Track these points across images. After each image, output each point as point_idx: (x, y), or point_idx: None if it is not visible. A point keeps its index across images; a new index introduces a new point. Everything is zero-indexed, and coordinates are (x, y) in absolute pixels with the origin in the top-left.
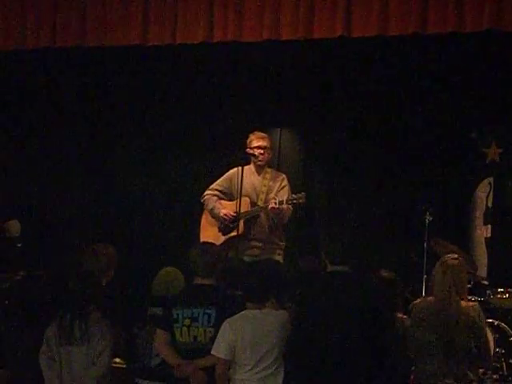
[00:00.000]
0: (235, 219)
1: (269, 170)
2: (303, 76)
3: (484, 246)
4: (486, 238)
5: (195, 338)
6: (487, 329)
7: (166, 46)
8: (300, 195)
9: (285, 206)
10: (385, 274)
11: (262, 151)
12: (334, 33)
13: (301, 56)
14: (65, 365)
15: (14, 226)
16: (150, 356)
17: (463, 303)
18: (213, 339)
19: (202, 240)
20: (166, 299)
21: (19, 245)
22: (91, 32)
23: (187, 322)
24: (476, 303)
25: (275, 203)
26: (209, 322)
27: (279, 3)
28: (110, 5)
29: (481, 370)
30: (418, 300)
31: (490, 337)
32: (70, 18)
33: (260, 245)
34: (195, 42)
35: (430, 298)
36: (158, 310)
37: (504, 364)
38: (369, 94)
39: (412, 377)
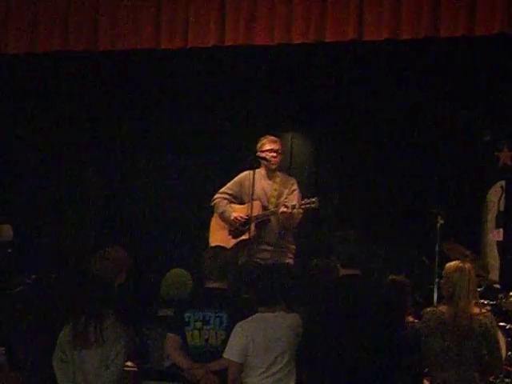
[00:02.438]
0: (246, 223)
1: (279, 173)
2: (314, 80)
3: (496, 250)
4: (497, 242)
5: (207, 340)
6: (499, 333)
7: (178, 50)
8: (313, 200)
9: (295, 210)
10: (395, 277)
11: (274, 154)
12: (346, 36)
13: (312, 60)
14: (78, 368)
15: (6, 231)
16: (161, 358)
17: (475, 310)
18: (224, 342)
19: (211, 243)
20: (175, 300)
21: (9, 250)
22: (103, 36)
23: (199, 324)
24: (488, 311)
25: (286, 207)
26: (220, 325)
27: (291, 7)
28: (122, 9)
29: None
30: (430, 308)
31: (502, 341)
32: (81, 22)
33: (270, 248)
34: (207, 46)
35: (441, 307)
36: (169, 311)
37: None
38: (380, 97)
39: (427, 382)
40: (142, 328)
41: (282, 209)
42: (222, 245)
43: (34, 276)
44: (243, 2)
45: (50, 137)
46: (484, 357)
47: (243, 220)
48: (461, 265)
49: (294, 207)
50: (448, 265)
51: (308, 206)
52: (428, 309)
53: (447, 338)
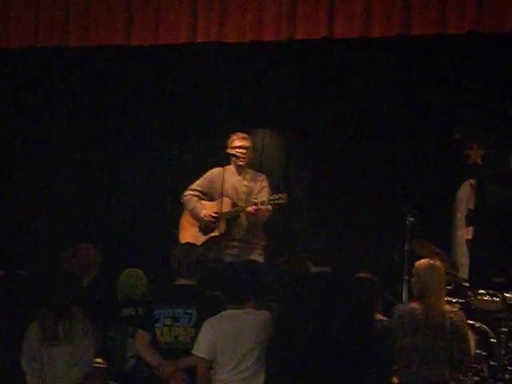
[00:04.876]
0: (216, 219)
1: (249, 170)
2: (286, 77)
3: (465, 248)
4: (467, 240)
5: (176, 337)
6: (469, 331)
7: (149, 47)
8: (281, 195)
9: (263, 206)
10: (364, 274)
11: (243, 151)
12: (317, 34)
13: (284, 57)
14: (46, 365)
15: None
16: (124, 359)
17: (447, 307)
18: (194, 339)
19: (181, 240)
20: (134, 300)
21: None
22: (74, 32)
23: (168, 321)
24: (458, 309)
25: (255, 204)
26: (190, 321)
27: (262, 4)
28: (93, 5)
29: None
30: (401, 305)
31: (472, 339)
32: (52, 17)
33: (240, 244)
34: (178, 43)
35: (412, 304)
36: (131, 311)
37: (485, 366)
38: (352, 94)
39: (396, 379)
40: (107, 329)
41: (249, 208)
42: (192, 242)
43: (1, 272)
44: None
45: (21, 134)
46: (454, 354)
47: (213, 217)
48: (431, 262)
49: (262, 203)
50: (418, 263)
51: (276, 201)
52: (399, 305)
53: (418, 334)
